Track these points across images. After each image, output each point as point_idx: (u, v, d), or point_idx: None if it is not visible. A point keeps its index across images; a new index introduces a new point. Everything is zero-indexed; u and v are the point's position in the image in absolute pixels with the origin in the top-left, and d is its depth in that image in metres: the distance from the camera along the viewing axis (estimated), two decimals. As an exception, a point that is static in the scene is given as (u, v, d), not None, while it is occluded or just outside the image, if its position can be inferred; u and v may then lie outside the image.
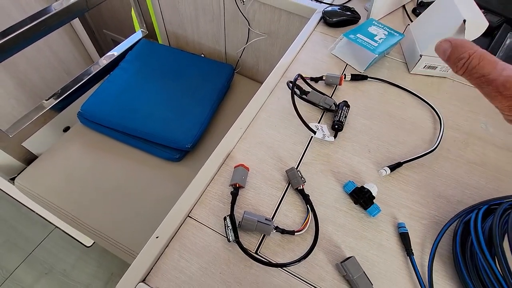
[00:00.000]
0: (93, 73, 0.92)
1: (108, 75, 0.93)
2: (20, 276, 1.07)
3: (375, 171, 0.43)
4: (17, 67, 1.07)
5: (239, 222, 0.36)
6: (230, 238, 0.35)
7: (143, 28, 1.11)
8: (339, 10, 0.65)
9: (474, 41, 0.48)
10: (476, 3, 0.51)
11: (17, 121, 0.78)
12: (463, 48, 0.20)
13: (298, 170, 0.41)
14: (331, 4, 0.70)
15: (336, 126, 0.46)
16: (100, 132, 0.86)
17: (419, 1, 0.71)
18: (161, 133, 0.80)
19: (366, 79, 0.55)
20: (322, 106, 0.49)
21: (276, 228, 0.36)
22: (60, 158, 0.81)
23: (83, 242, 1.12)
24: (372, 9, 0.63)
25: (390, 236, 0.38)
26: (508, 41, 0.58)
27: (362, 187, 0.40)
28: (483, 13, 0.63)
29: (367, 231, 0.38)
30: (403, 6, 0.71)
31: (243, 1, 0.89)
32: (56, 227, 1.16)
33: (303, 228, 0.37)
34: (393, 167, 0.43)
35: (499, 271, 0.31)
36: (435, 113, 0.51)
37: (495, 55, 0.56)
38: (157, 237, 0.35)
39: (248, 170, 0.41)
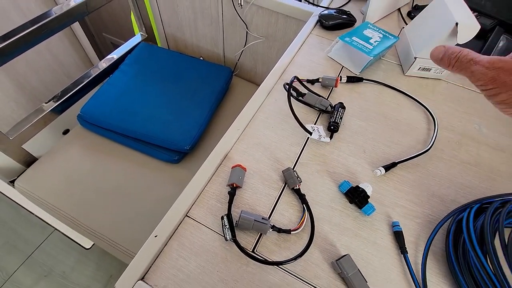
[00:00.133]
0: (93, 76, 0.93)
1: (108, 78, 0.94)
2: (20, 278, 1.07)
3: (370, 171, 0.44)
4: (17, 70, 1.08)
5: (236, 221, 0.37)
6: (228, 237, 0.35)
7: (142, 31, 1.13)
8: (335, 14, 0.66)
9: (467, 43, 0.49)
10: (470, 6, 0.52)
11: (18, 124, 0.79)
12: (454, 48, 0.26)
13: (295, 170, 0.42)
14: (327, 8, 0.71)
15: (332, 127, 0.47)
16: (100, 135, 0.87)
17: (414, 5, 0.72)
18: (160, 135, 0.81)
19: (362, 81, 0.56)
20: (318, 108, 0.50)
21: (273, 227, 0.37)
22: (60, 160, 0.82)
23: (82, 244, 1.13)
24: (367, 13, 0.65)
25: (384, 234, 0.38)
26: (501, 44, 0.59)
27: (357, 186, 0.40)
28: (477, 16, 0.64)
29: (362, 230, 0.39)
30: (399, 10, 0.72)
31: (241, 5, 0.90)
32: (55, 229, 1.16)
33: (299, 227, 0.37)
34: (388, 167, 0.44)
35: (490, 268, 0.32)
36: (429, 114, 0.52)
37: (488, 57, 0.58)
38: (155, 236, 0.36)
39: (245, 171, 0.42)
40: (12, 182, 0.81)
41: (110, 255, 1.11)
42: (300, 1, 0.86)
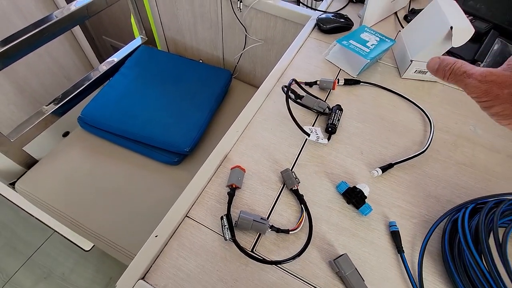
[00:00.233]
0: (93, 79, 0.94)
1: (108, 80, 0.95)
2: (19, 280, 1.07)
3: (367, 172, 0.45)
4: (17, 73, 1.09)
5: (236, 221, 0.37)
6: (227, 237, 0.36)
7: (142, 34, 1.14)
8: (333, 17, 0.67)
9: (462, 46, 0.50)
10: (465, 10, 0.53)
11: (19, 126, 0.79)
12: (449, 59, 0.27)
13: (293, 171, 0.43)
14: (325, 12, 0.72)
15: (330, 129, 0.48)
16: (100, 137, 0.87)
17: (410, 8, 0.74)
18: (160, 137, 0.81)
19: (359, 83, 0.57)
20: (316, 110, 0.50)
21: (271, 227, 0.37)
22: (61, 162, 0.82)
23: (82, 246, 1.13)
24: (364, 16, 0.66)
25: (381, 234, 0.39)
26: (495, 47, 0.60)
27: (355, 187, 0.41)
28: (472, 19, 0.65)
29: (359, 230, 0.39)
30: (395, 13, 0.73)
31: (240, 9, 0.92)
32: (55, 231, 1.16)
33: (298, 227, 0.38)
34: (384, 168, 0.44)
35: (485, 267, 0.32)
36: (425, 116, 0.53)
37: (483, 60, 0.59)
38: (156, 236, 0.36)
39: (244, 172, 0.43)
40: (12, 185, 0.82)
41: (109, 257, 1.11)
42: (299, 5, 0.87)
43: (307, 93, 0.52)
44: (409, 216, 0.41)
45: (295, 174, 0.42)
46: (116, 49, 1.07)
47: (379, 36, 0.59)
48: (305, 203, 0.40)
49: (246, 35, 1.00)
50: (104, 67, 0.98)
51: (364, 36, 0.59)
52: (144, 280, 0.34)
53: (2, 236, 1.16)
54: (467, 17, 0.50)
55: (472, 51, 0.61)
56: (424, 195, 0.43)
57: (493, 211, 0.36)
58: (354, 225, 0.40)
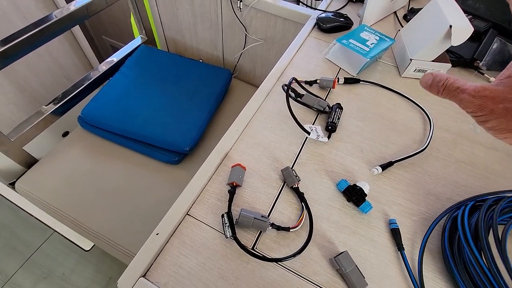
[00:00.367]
0: (93, 79, 0.94)
1: (108, 80, 0.95)
2: (19, 280, 1.07)
3: (367, 170, 0.45)
4: (17, 72, 1.08)
5: (236, 219, 0.37)
6: (228, 234, 0.36)
7: (142, 34, 1.14)
8: (332, 17, 0.68)
9: (461, 45, 0.50)
10: (464, 9, 0.54)
11: (19, 125, 0.79)
12: (441, 75, 0.27)
13: (293, 170, 0.43)
14: (325, 11, 0.72)
15: (330, 127, 0.48)
16: (100, 136, 0.87)
17: (410, 8, 0.74)
18: (160, 137, 0.81)
19: (359, 82, 0.57)
20: (316, 108, 0.51)
21: (272, 224, 0.38)
22: (61, 161, 0.82)
23: (82, 246, 1.13)
24: (364, 16, 0.66)
25: (381, 232, 0.39)
26: (495, 46, 0.60)
27: (355, 185, 0.41)
28: (471, 19, 0.66)
29: (359, 227, 0.39)
30: (395, 13, 0.74)
31: (240, 8, 0.92)
32: (55, 231, 1.16)
33: (298, 225, 0.38)
34: (384, 166, 0.45)
35: (485, 264, 0.32)
36: (425, 114, 0.53)
37: (482, 59, 0.59)
38: (157, 234, 0.36)
39: (245, 170, 0.43)
40: (12, 185, 0.82)
41: (109, 257, 1.11)
42: (298, 4, 0.87)
43: (307, 91, 0.53)
44: (409, 213, 0.41)
45: (295, 172, 0.42)
46: (115, 49, 1.07)
47: (379, 35, 0.59)
48: (306, 201, 0.40)
49: (246, 34, 1.00)
50: (104, 66, 0.98)
51: (364, 35, 0.59)
52: (145, 278, 0.34)
53: (2, 236, 1.16)
54: (466, 16, 0.51)
55: (471, 50, 0.61)
56: (424, 193, 0.43)
57: (493, 209, 0.36)
58: (355, 223, 0.40)
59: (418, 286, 0.35)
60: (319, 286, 0.35)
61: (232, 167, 0.42)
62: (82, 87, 0.91)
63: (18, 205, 1.14)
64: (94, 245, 1.11)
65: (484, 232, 0.34)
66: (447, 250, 0.37)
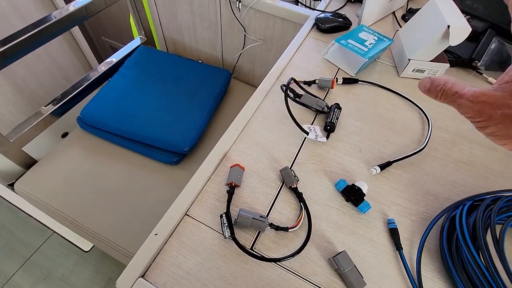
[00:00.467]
0: (92, 79, 0.94)
1: (107, 80, 0.95)
2: (18, 281, 1.07)
3: (366, 170, 0.45)
4: (16, 73, 1.08)
5: (235, 219, 0.37)
6: (226, 234, 0.36)
7: (141, 34, 1.14)
8: (331, 17, 0.68)
9: (459, 45, 0.50)
10: (462, 9, 0.54)
11: (18, 126, 0.79)
12: (440, 79, 0.27)
13: (292, 170, 0.43)
14: (323, 11, 0.72)
15: (328, 127, 0.48)
16: (99, 137, 0.87)
17: (408, 8, 0.74)
18: (160, 137, 0.82)
19: (357, 82, 0.57)
20: (314, 108, 0.51)
21: (271, 225, 0.38)
22: (60, 162, 0.82)
23: (81, 247, 1.13)
24: (363, 16, 0.66)
25: (380, 231, 0.39)
26: (492, 46, 0.61)
27: (353, 185, 0.41)
28: (469, 19, 0.66)
29: (358, 227, 0.40)
30: (393, 13, 0.74)
31: (239, 9, 0.92)
32: (54, 232, 1.16)
33: (297, 225, 0.38)
34: (383, 166, 0.45)
35: (482, 263, 0.33)
36: (423, 114, 0.53)
37: (480, 59, 0.59)
38: (156, 234, 0.37)
39: (244, 170, 0.43)
40: (11, 185, 0.82)
41: (109, 258, 1.11)
42: (297, 4, 0.87)
43: (306, 92, 0.53)
44: (407, 213, 0.41)
45: (294, 172, 0.42)
46: (115, 50, 1.07)
47: (377, 35, 0.59)
48: (304, 201, 0.40)
49: (245, 35, 1.00)
50: (103, 67, 0.98)
51: (362, 35, 0.59)
52: (144, 278, 0.34)
53: (1, 237, 1.16)
54: (464, 16, 0.51)
55: (470, 50, 0.61)
56: (423, 192, 0.43)
57: (490, 208, 0.36)
58: (353, 223, 0.40)
59: (416, 285, 0.35)
60: (317, 286, 0.35)
61: (231, 167, 0.42)
62: (81, 87, 0.91)
63: (17, 206, 1.13)
64: (93, 246, 1.11)
65: (482, 232, 0.34)
66: (445, 250, 0.37)
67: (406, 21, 0.71)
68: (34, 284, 1.06)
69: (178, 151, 0.82)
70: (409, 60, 0.56)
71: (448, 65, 0.57)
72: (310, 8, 0.81)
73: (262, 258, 0.35)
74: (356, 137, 0.49)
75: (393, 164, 0.45)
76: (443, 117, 0.53)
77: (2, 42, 0.68)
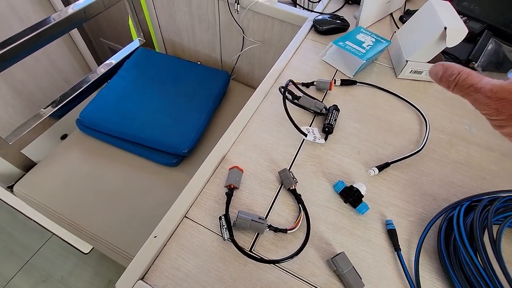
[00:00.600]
0: (91, 81, 0.94)
1: (106, 82, 0.95)
2: (18, 284, 1.07)
3: (364, 171, 0.45)
4: (15, 76, 1.09)
5: (234, 221, 0.37)
6: (225, 236, 0.36)
7: (140, 36, 1.14)
8: (329, 19, 0.68)
9: (456, 46, 0.51)
10: (459, 11, 0.54)
11: (17, 129, 0.79)
12: (453, 68, 0.23)
13: (290, 171, 0.43)
14: (321, 13, 0.73)
15: (327, 129, 0.48)
16: (98, 139, 0.87)
17: (405, 9, 0.74)
18: (159, 139, 0.82)
19: (355, 84, 0.58)
20: (313, 110, 0.51)
21: (269, 226, 0.38)
22: (59, 164, 0.82)
23: (80, 249, 1.12)
24: (360, 18, 0.66)
25: (378, 232, 0.40)
26: (489, 47, 0.61)
27: (352, 186, 0.42)
28: (466, 20, 0.66)
29: (356, 229, 0.40)
30: (391, 14, 0.74)
31: (237, 11, 0.92)
32: (54, 234, 1.16)
33: (295, 227, 0.38)
34: (381, 167, 0.45)
35: (480, 263, 0.33)
36: (421, 115, 0.53)
37: (477, 60, 0.59)
38: (155, 237, 0.37)
39: (242, 172, 0.43)
40: (10, 188, 0.82)
41: (108, 260, 1.11)
42: (295, 6, 0.88)
43: (304, 93, 0.53)
44: (405, 214, 0.41)
45: (292, 174, 0.42)
46: (114, 52, 1.08)
47: (375, 37, 0.60)
48: (303, 202, 0.41)
49: (243, 36, 1.01)
50: (102, 69, 0.98)
51: (360, 37, 0.59)
52: (144, 281, 0.34)
53: (0, 239, 1.15)
54: (461, 17, 0.51)
55: (467, 51, 0.61)
56: (420, 193, 0.44)
57: (488, 209, 0.36)
58: (351, 224, 0.40)
59: (414, 286, 0.35)
60: None
61: (230, 169, 0.43)
62: (80, 90, 0.91)
63: (17, 208, 1.13)
64: (92, 248, 1.11)
65: (479, 232, 0.34)
66: (443, 251, 0.37)
67: (403, 23, 0.71)
68: (33, 286, 1.06)
69: (177, 153, 0.82)
70: (407, 61, 0.56)
71: (445, 66, 0.58)
72: (308, 10, 0.81)
73: (261, 260, 0.36)
74: (354, 138, 0.49)
75: (391, 165, 0.46)
76: (441, 118, 0.54)
77: (1, 45, 0.68)
